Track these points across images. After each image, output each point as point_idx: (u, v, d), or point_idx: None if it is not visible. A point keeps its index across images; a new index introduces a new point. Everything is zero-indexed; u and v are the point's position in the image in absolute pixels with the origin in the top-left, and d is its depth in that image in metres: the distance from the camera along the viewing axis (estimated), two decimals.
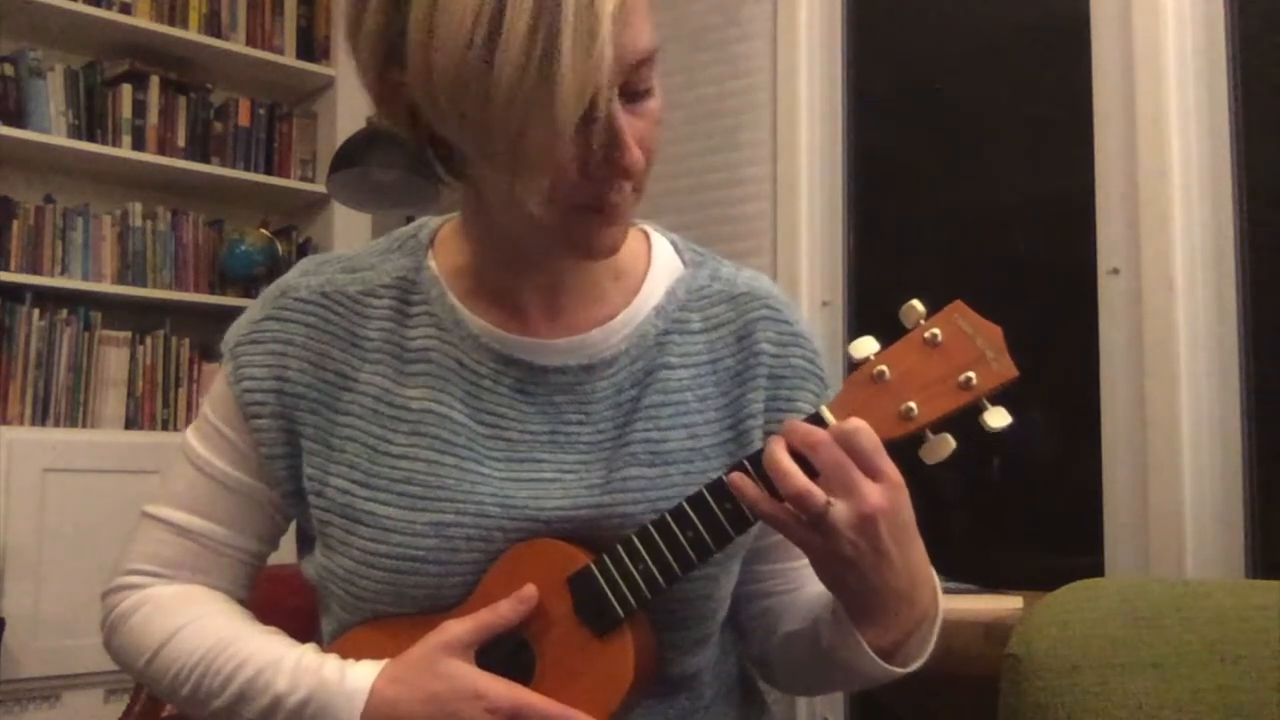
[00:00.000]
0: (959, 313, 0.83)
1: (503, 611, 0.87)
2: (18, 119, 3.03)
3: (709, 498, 0.86)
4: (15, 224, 3.06)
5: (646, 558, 0.87)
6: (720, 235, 2.60)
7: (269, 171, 3.45)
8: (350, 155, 2.71)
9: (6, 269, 3.02)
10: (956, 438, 0.82)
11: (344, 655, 0.90)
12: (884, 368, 0.83)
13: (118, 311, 3.21)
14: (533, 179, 0.79)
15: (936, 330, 0.83)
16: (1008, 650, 1.19)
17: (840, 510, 0.79)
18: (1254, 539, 1.93)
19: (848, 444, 0.79)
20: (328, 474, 0.93)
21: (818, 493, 0.78)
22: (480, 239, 0.95)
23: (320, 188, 3.23)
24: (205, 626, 0.93)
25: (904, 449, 0.82)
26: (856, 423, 0.80)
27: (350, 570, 0.91)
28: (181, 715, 1.22)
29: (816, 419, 0.83)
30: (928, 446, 0.83)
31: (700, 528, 0.86)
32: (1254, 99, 1.98)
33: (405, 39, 0.76)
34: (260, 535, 1.00)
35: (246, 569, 1.01)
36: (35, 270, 3.07)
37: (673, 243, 1.02)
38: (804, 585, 1.00)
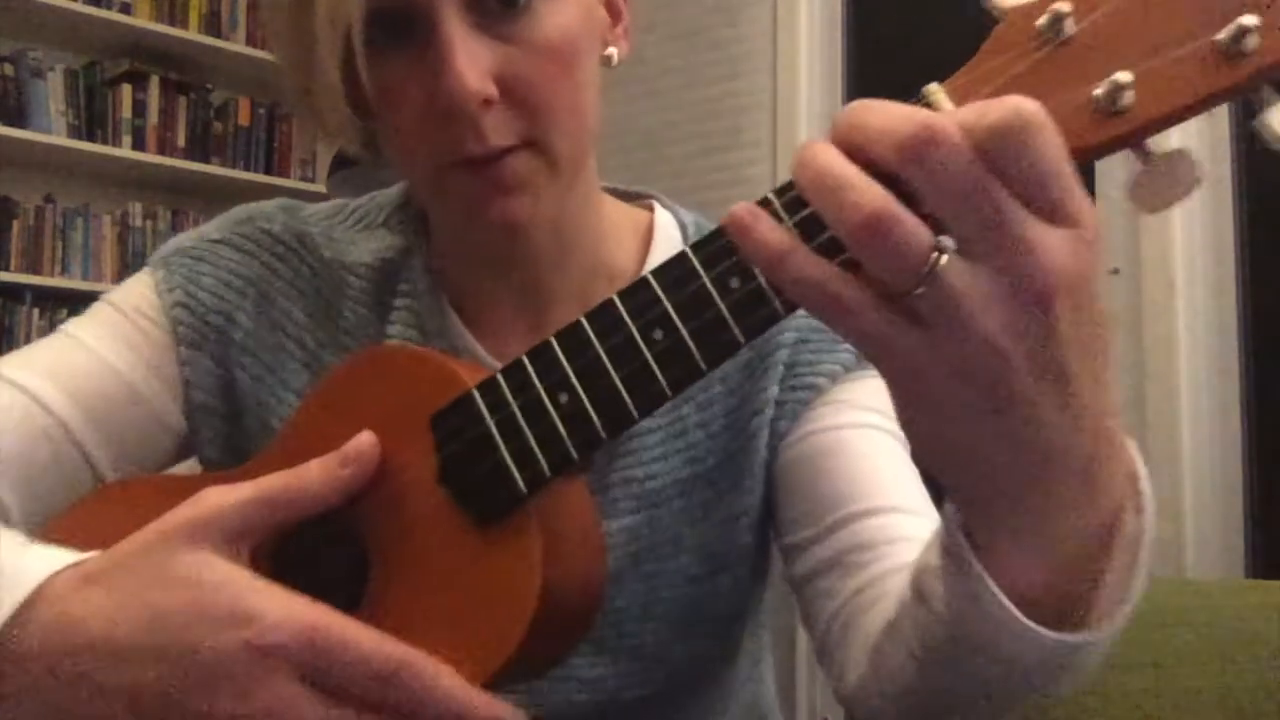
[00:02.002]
0: None
1: (308, 480, 0.53)
2: (18, 119, 3.02)
3: (693, 260, 0.48)
4: (15, 224, 3.06)
5: (573, 377, 0.51)
6: None
7: (269, 171, 3.45)
8: (350, 155, 2.71)
9: (6, 269, 3.02)
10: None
11: (64, 535, 0.56)
12: (1063, 7, 0.44)
13: None
14: (335, 117, 0.63)
15: None
16: None
17: (972, 275, 0.40)
18: (1254, 539, 1.93)
19: (1000, 147, 0.39)
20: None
21: (917, 228, 0.40)
22: (433, 223, 0.77)
23: (320, 188, 3.22)
24: None
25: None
26: (1019, 104, 0.39)
27: None
28: None
29: (919, 102, 0.46)
30: (1154, 169, 0.44)
31: (678, 324, 0.48)
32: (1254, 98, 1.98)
33: None
34: (120, 455, 0.71)
35: (69, 492, 0.68)
36: (35, 270, 3.07)
37: (682, 226, 0.80)
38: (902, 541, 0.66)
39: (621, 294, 0.50)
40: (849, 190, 0.40)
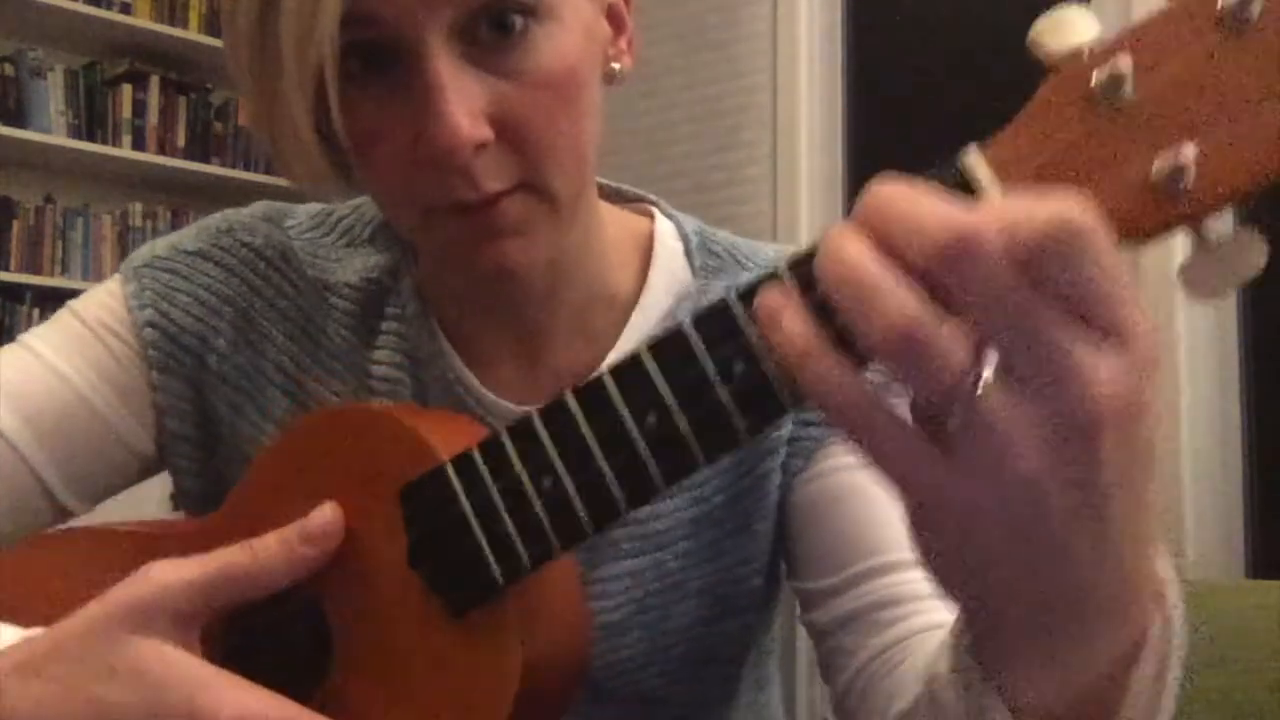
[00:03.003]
0: None
1: (265, 558, 0.50)
2: (18, 119, 3.02)
3: (693, 335, 0.43)
4: (15, 224, 3.06)
5: (558, 462, 0.46)
6: None
7: (269, 171, 3.45)
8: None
9: (6, 269, 3.02)
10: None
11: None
12: (1122, 69, 0.37)
13: None
14: (304, 163, 0.57)
15: (1255, 5, 0.36)
16: None
17: (1012, 403, 0.35)
18: (1254, 539, 1.93)
19: (1047, 260, 0.34)
20: None
21: (952, 345, 0.35)
22: (418, 256, 0.71)
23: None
24: None
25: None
26: (1070, 213, 0.34)
27: None
28: None
29: (955, 175, 0.41)
30: (1212, 253, 0.39)
31: (668, 401, 0.43)
32: None
33: None
34: (79, 479, 0.67)
35: (26, 522, 0.65)
36: (35, 270, 3.07)
37: (684, 238, 0.73)
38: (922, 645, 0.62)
39: (614, 370, 0.44)
40: (878, 297, 0.35)
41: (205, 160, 3.32)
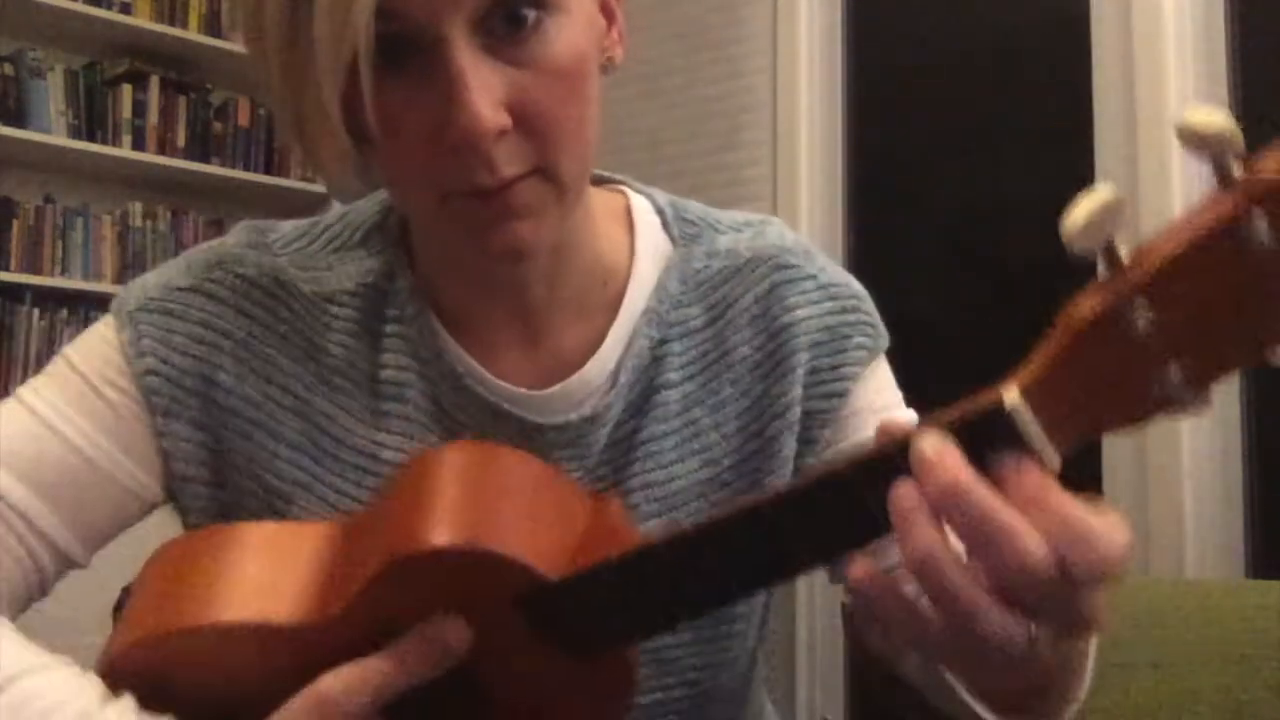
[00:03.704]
0: None
1: (412, 666, 0.57)
2: (18, 119, 3.03)
3: (743, 522, 0.53)
4: (15, 224, 3.06)
5: (637, 598, 0.57)
6: None
7: (269, 171, 3.45)
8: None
9: (6, 269, 3.02)
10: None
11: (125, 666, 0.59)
12: (1141, 316, 0.43)
13: None
14: (325, 144, 0.60)
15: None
16: None
17: (1043, 632, 0.47)
18: (1254, 539, 1.93)
19: (1079, 571, 0.45)
20: None
21: (1018, 621, 0.46)
22: (422, 245, 0.74)
23: (320, 188, 3.23)
24: None
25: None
26: (1110, 543, 0.46)
27: None
28: None
29: (998, 414, 0.46)
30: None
31: (740, 560, 0.54)
32: (1254, 98, 1.98)
33: None
34: (91, 536, 0.69)
35: (31, 580, 0.68)
36: (35, 270, 3.07)
37: (659, 212, 0.78)
38: None
39: (702, 529, 0.54)
40: (972, 597, 0.46)
41: (205, 160, 3.32)
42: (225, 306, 0.72)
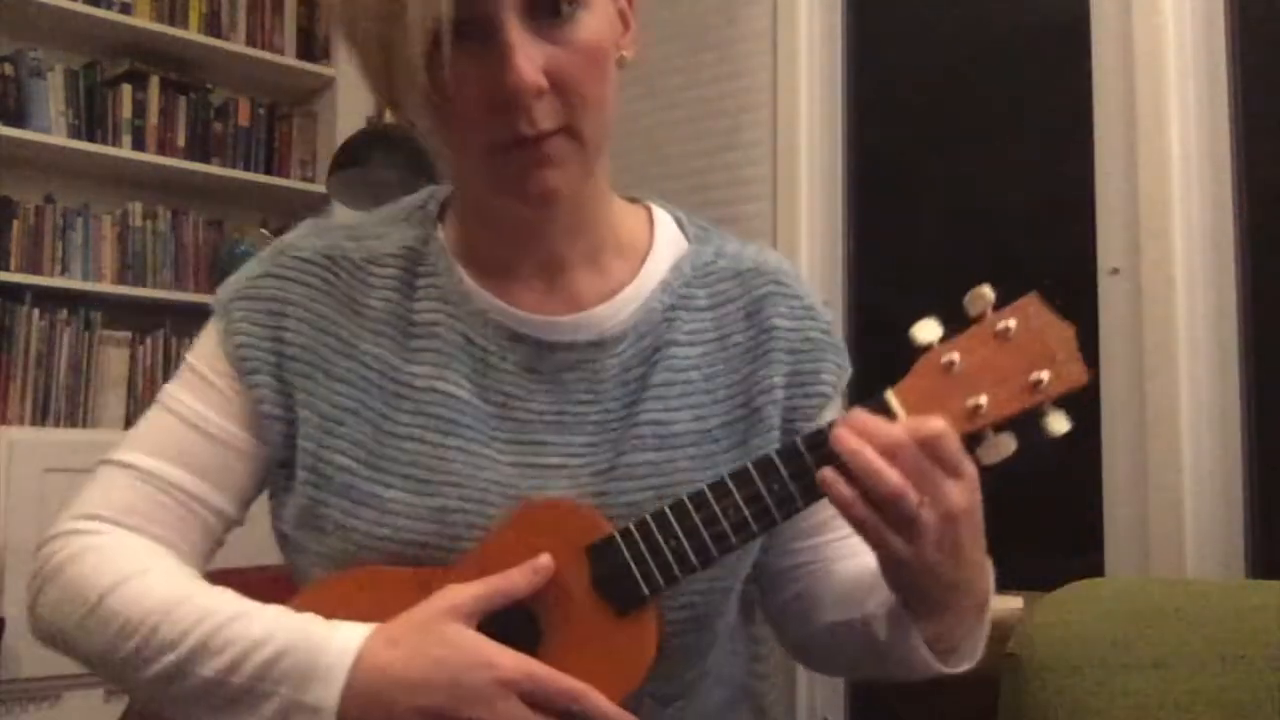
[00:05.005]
0: (1033, 307, 0.79)
1: (515, 580, 0.81)
2: (18, 119, 3.03)
3: (755, 476, 0.79)
4: (15, 224, 3.06)
5: (680, 534, 0.81)
6: None
7: (269, 171, 3.45)
8: (350, 155, 2.71)
9: (6, 269, 3.02)
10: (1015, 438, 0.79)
11: (314, 612, 0.81)
12: (954, 357, 0.78)
13: (118, 311, 3.20)
14: (413, 101, 0.80)
15: (1010, 323, 0.78)
16: (1008, 650, 1.19)
17: (925, 513, 0.74)
18: (1254, 539, 1.93)
19: (933, 448, 0.74)
20: (325, 448, 0.88)
21: (913, 494, 0.74)
22: (467, 206, 0.93)
23: (320, 188, 3.23)
24: (163, 578, 0.83)
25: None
26: (940, 425, 0.75)
27: (344, 554, 0.86)
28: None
29: (881, 404, 0.79)
30: (988, 446, 0.79)
31: (743, 507, 0.80)
32: (1254, 98, 1.98)
33: None
34: (236, 495, 0.91)
35: (211, 535, 0.90)
36: (35, 270, 3.07)
37: (677, 219, 0.99)
38: (835, 563, 0.96)
39: (711, 488, 0.81)
40: (883, 476, 0.74)
41: (205, 160, 3.32)
42: (287, 281, 0.92)
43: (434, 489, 0.86)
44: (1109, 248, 2.09)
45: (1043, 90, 2.28)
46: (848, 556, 0.94)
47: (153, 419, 0.91)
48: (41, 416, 3.04)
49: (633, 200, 0.99)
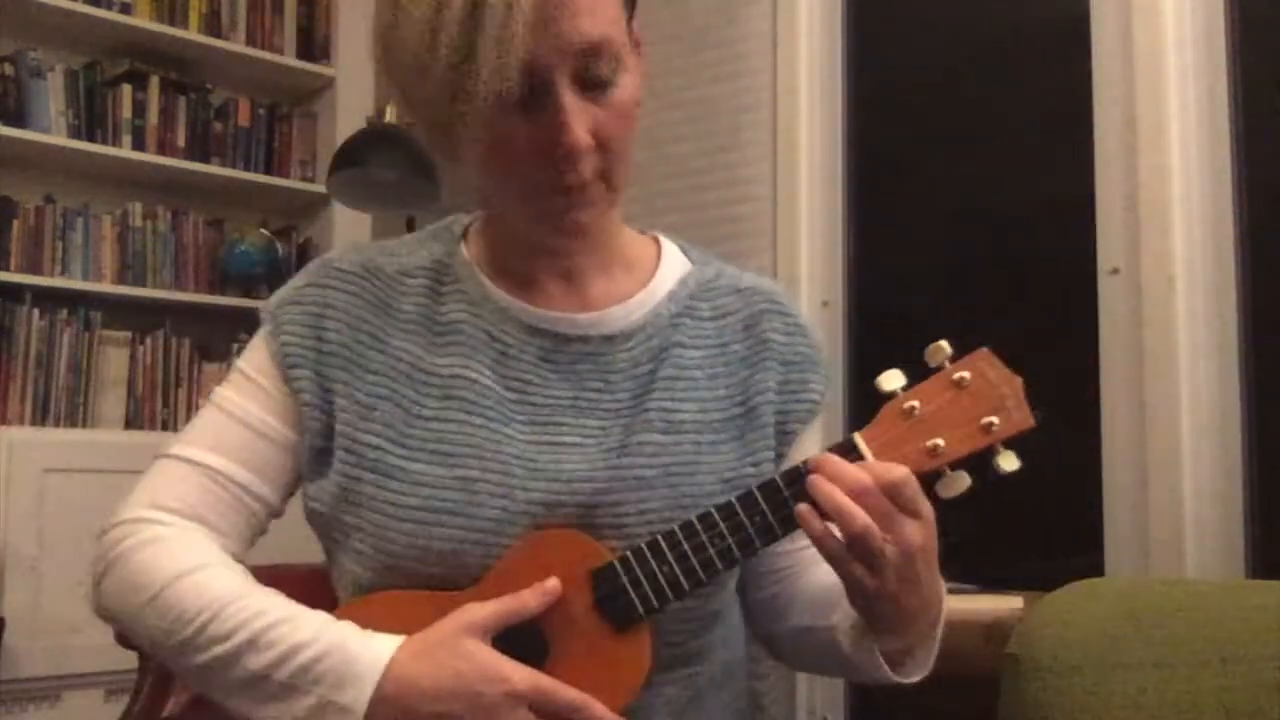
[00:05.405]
0: (985, 360, 0.90)
1: (526, 600, 0.90)
2: (18, 119, 3.03)
3: (739, 509, 0.90)
4: (15, 224, 3.06)
5: (671, 560, 0.90)
6: (720, 235, 2.60)
7: (269, 171, 3.45)
8: (350, 155, 2.71)
9: (6, 269, 3.02)
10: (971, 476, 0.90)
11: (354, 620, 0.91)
12: (915, 404, 0.89)
13: (118, 311, 3.21)
14: (474, 155, 0.90)
15: (965, 374, 0.89)
16: (1008, 650, 1.19)
17: (889, 549, 0.84)
18: (1254, 539, 1.93)
19: (895, 492, 0.84)
20: (359, 430, 0.97)
21: (878, 532, 0.83)
22: (496, 229, 1.05)
23: (320, 188, 3.23)
24: (222, 574, 0.92)
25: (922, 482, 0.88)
26: (902, 472, 0.84)
27: (379, 525, 0.94)
28: (186, 704, 1.23)
29: (850, 446, 0.89)
30: (946, 482, 0.89)
31: (728, 537, 0.90)
32: (1254, 98, 1.98)
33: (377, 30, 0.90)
34: (279, 485, 1.01)
35: (255, 521, 1.01)
36: (35, 270, 3.08)
37: (681, 247, 1.11)
38: (809, 568, 1.06)
39: (699, 519, 0.91)
40: (853, 516, 0.84)
41: (205, 160, 3.33)
42: (329, 289, 1.02)
43: (459, 461, 0.94)
44: (1109, 248, 2.08)
45: (1043, 90, 2.28)
46: (820, 562, 0.98)
47: (205, 417, 1.02)
48: (41, 416, 3.04)
49: (642, 232, 1.12)
